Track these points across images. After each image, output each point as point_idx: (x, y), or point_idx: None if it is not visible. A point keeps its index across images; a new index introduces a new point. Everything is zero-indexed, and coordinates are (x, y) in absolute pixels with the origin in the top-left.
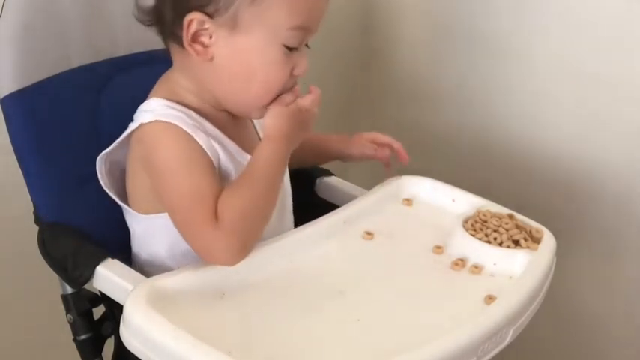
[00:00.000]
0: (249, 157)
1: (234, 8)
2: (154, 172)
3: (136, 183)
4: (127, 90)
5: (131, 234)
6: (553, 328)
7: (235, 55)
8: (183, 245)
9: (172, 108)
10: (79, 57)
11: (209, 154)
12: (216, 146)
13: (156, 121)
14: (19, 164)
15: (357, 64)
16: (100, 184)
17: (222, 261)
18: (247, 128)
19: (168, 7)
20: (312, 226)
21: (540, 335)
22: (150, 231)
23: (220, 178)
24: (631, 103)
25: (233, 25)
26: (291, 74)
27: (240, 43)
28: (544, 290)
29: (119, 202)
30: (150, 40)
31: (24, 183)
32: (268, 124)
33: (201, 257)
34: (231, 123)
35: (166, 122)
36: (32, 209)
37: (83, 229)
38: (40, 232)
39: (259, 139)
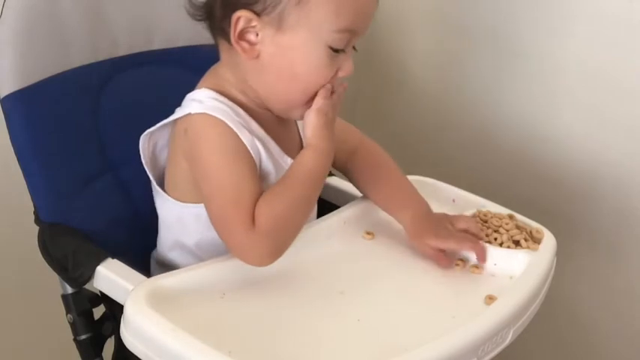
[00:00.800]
0: (289, 160)
1: (281, 7)
2: (196, 164)
3: (176, 170)
4: (127, 90)
5: (160, 218)
6: (553, 328)
7: (280, 54)
8: (213, 236)
9: (220, 102)
10: (79, 57)
11: (252, 153)
12: (259, 146)
13: (204, 113)
14: (19, 164)
15: (361, 67)
16: (100, 184)
17: (253, 262)
18: (291, 130)
19: (219, 4)
20: (312, 226)
21: (540, 335)
22: (182, 218)
23: (260, 178)
24: (632, 102)
25: (279, 25)
26: (336, 75)
27: (286, 42)
28: (544, 290)
29: (154, 185)
30: (149, 40)
31: (24, 183)
32: (309, 135)
33: (232, 254)
34: (275, 123)
35: (214, 116)
36: (32, 209)
37: (83, 229)
38: (40, 232)
39: (301, 142)
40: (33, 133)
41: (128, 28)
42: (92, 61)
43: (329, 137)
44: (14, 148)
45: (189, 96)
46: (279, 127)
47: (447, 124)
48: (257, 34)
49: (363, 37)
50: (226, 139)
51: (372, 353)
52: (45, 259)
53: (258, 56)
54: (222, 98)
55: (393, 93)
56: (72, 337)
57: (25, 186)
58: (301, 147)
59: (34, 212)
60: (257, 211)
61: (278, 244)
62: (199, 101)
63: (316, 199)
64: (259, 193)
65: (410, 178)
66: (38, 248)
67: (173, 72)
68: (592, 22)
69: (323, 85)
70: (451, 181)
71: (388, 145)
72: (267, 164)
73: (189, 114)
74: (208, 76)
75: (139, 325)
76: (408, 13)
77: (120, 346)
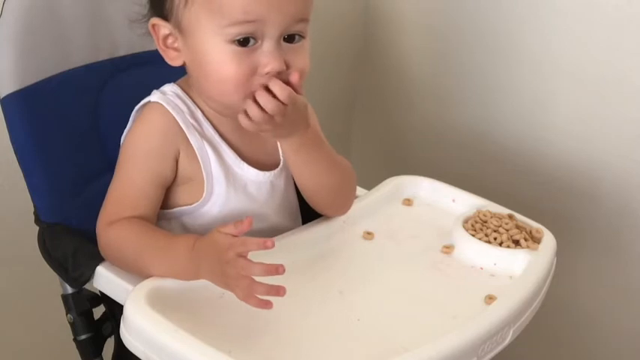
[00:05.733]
0: (246, 166)
1: (175, 11)
2: (122, 144)
3: None
4: (127, 90)
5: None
6: (553, 328)
7: (192, 57)
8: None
9: (181, 99)
10: (79, 57)
11: (198, 156)
12: (209, 150)
13: (158, 102)
14: (19, 164)
15: (359, 66)
16: (100, 184)
17: (101, 252)
18: (263, 140)
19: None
20: (312, 226)
21: (540, 335)
22: (169, 223)
23: (209, 182)
24: (631, 103)
25: (181, 28)
26: (258, 73)
27: (190, 45)
28: (544, 290)
29: None
30: (150, 40)
31: (24, 183)
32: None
33: None
34: (239, 129)
35: (165, 109)
36: (32, 209)
37: (83, 229)
38: (40, 232)
39: (280, 152)
40: (33, 133)
41: (128, 28)
42: (92, 61)
43: (212, 265)
44: (14, 148)
45: (162, 87)
46: (244, 134)
47: (447, 125)
48: (177, 40)
49: (363, 40)
50: (152, 138)
51: (372, 353)
52: (45, 259)
53: (184, 63)
54: (185, 97)
55: (392, 94)
56: (72, 337)
57: (25, 186)
58: (277, 154)
59: (34, 212)
60: (119, 223)
61: (109, 257)
62: (163, 92)
63: (150, 271)
64: (142, 207)
65: (410, 178)
66: (38, 248)
67: (173, 72)
68: (592, 22)
69: (240, 84)
70: (451, 181)
71: (388, 146)
72: (217, 170)
73: (149, 102)
74: (186, 76)
75: (139, 325)
76: (406, 15)
77: (120, 346)
